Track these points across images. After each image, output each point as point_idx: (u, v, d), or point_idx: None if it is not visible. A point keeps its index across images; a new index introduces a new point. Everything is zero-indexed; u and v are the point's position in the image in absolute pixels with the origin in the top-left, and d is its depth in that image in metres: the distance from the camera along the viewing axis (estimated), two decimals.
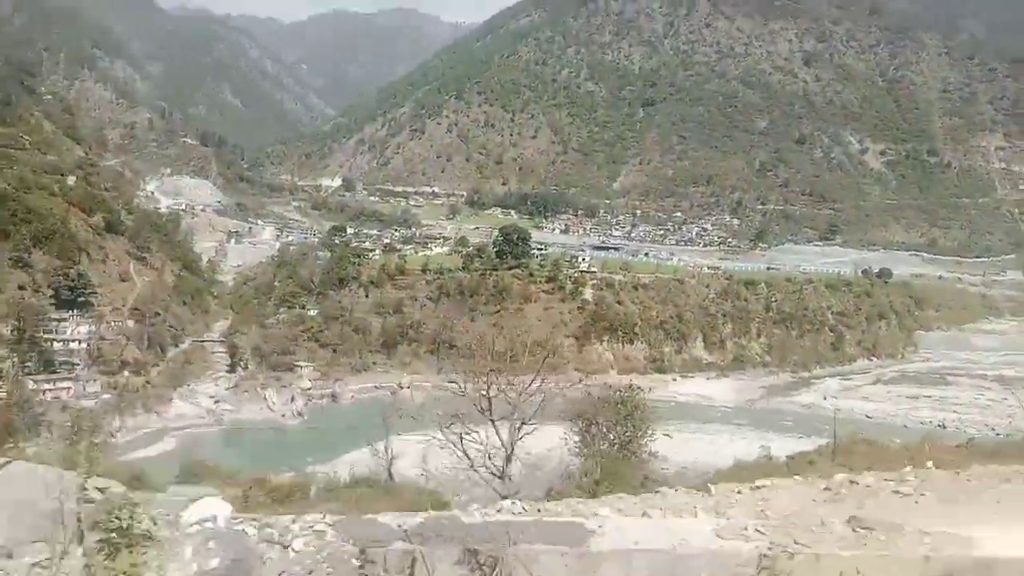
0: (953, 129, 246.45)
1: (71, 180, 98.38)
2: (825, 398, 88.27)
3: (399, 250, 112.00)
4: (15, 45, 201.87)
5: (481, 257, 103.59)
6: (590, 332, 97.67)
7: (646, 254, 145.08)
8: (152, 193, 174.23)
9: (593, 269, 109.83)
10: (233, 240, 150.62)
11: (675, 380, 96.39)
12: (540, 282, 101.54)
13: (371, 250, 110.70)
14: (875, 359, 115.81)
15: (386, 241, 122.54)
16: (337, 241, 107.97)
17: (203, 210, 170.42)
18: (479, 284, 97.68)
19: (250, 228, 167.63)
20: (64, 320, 68.97)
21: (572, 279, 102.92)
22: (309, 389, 76.72)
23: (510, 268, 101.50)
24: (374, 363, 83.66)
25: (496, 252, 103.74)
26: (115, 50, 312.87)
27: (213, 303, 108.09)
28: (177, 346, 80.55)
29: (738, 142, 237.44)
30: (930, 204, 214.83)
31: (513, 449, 22.55)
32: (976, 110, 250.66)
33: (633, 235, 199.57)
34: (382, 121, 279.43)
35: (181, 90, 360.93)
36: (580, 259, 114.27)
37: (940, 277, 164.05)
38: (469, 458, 21.14)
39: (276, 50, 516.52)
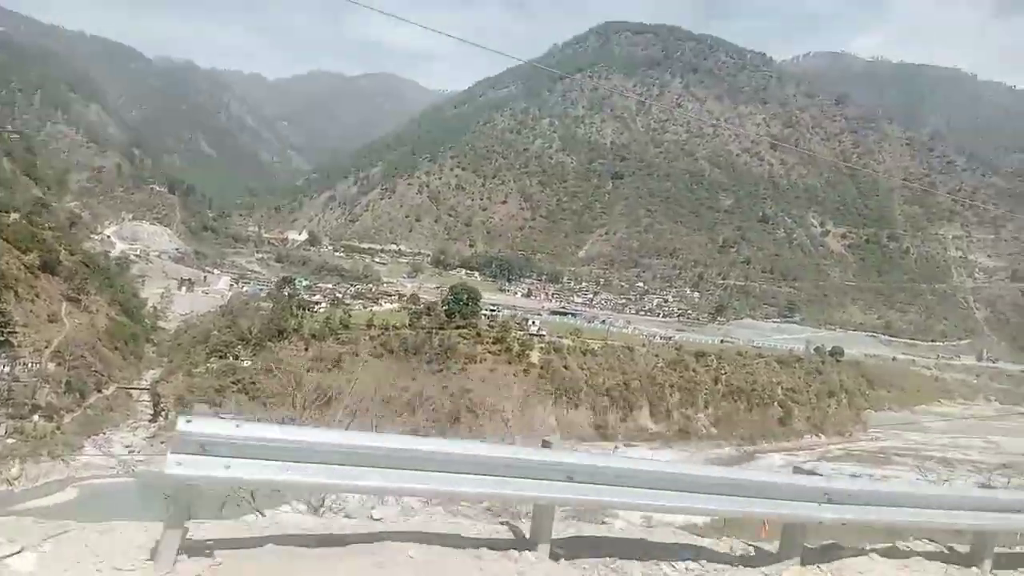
0: (912, 217, 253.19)
1: (13, 217, 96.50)
2: None
3: (347, 305, 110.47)
4: None
5: (429, 315, 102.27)
6: (533, 395, 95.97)
7: (602, 321, 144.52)
8: (108, 237, 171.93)
9: (542, 332, 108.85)
10: (185, 288, 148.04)
11: (618, 448, 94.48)
12: (487, 343, 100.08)
13: (317, 303, 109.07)
14: (823, 436, 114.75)
15: (337, 295, 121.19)
16: (285, 293, 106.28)
17: (158, 256, 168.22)
18: (424, 342, 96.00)
19: (205, 277, 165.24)
20: None
21: (520, 341, 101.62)
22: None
23: (458, 328, 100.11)
24: (307, 418, 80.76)
25: (445, 311, 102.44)
26: (91, 95, 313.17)
27: (151, 350, 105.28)
28: (101, 392, 77.54)
29: (703, 218, 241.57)
30: (888, 287, 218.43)
31: None
32: (935, 200, 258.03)
33: (595, 303, 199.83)
34: (354, 179, 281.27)
35: (157, 138, 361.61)
36: (530, 322, 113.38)
37: (894, 359, 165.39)
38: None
39: (257, 105, 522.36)
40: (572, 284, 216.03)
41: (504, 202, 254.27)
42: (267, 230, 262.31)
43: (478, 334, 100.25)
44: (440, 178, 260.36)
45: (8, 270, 79.79)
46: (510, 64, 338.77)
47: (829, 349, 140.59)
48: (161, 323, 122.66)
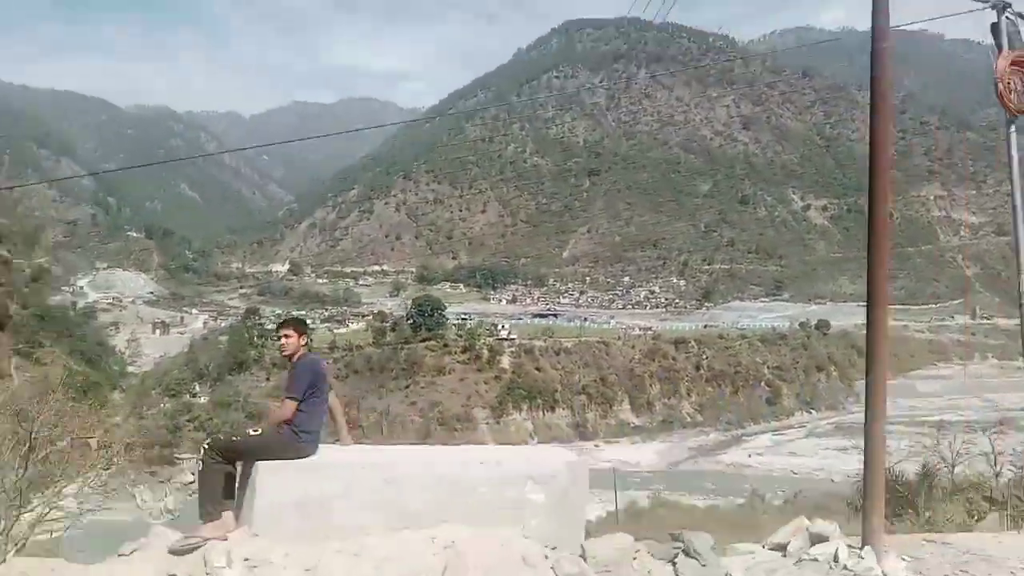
0: (892, 181, 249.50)
1: None
2: (750, 456, 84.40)
3: (312, 328, 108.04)
4: None
5: (394, 331, 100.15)
6: (507, 401, 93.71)
7: (583, 320, 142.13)
8: (81, 288, 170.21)
9: (513, 336, 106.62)
10: (159, 331, 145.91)
11: (598, 447, 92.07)
12: (455, 353, 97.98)
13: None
14: (814, 412, 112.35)
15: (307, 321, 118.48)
16: (248, 325, 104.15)
17: (132, 302, 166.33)
18: (389, 358, 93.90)
19: (182, 318, 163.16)
20: None
21: (489, 347, 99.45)
22: (192, 482, 71.37)
23: (423, 340, 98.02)
24: None
25: (410, 325, 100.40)
26: (62, 149, 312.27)
27: (118, 397, 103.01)
28: (53, 444, 75.32)
29: (683, 206, 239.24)
30: None
31: None
32: (912, 162, 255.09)
33: (582, 302, 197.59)
34: (332, 204, 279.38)
35: (136, 186, 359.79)
36: (500, 326, 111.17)
37: None
38: None
39: (235, 142, 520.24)
40: (558, 285, 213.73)
41: (483, 211, 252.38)
42: (250, 264, 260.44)
43: (445, 345, 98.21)
44: (416, 194, 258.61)
45: None
46: (477, 74, 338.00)
47: (815, 323, 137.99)
48: (132, 368, 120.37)
